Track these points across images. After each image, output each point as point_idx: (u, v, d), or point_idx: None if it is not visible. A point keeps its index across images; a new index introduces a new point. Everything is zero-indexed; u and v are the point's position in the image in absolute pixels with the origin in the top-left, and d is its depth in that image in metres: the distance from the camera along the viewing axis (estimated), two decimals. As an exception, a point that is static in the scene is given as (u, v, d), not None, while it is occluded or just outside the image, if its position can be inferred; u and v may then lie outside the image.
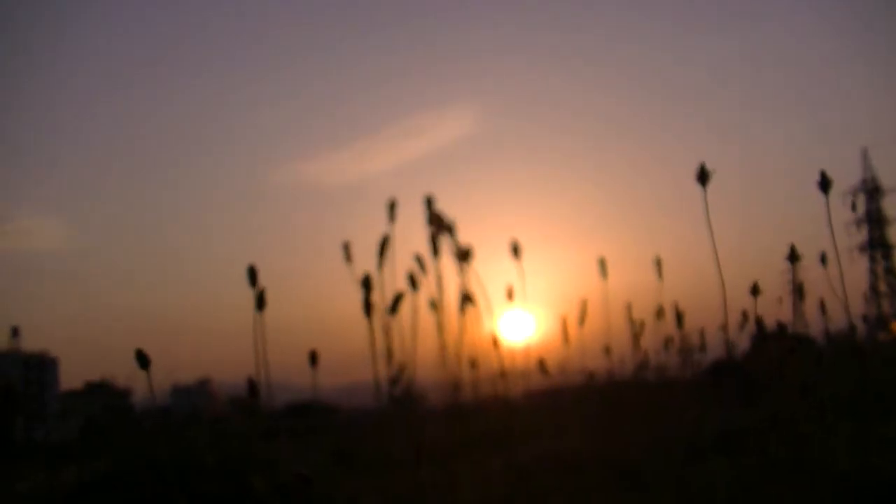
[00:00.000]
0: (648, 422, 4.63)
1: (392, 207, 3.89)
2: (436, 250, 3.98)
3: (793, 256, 3.70)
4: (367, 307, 3.73)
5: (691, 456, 3.99)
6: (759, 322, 4.02)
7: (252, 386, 3.55)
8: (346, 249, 3.88)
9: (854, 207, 3.91)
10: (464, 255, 4.04)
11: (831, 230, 3.59)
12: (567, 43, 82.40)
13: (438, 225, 3.99)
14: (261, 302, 3.57)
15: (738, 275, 3.90)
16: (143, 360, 3.29)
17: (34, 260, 68.36)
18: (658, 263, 4.51)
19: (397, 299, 3.83)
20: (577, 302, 4.62)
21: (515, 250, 4.20)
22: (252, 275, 3.59)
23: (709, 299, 3.86)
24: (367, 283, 3.76)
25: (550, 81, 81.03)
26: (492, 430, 4.63)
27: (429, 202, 3.99)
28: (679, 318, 4.57)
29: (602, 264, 4.51)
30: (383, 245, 3.85)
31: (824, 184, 3.55)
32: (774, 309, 4.05)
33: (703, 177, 3.54)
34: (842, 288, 3.72)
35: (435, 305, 4.04)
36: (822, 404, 3.74)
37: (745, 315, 4.40)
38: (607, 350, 4.84)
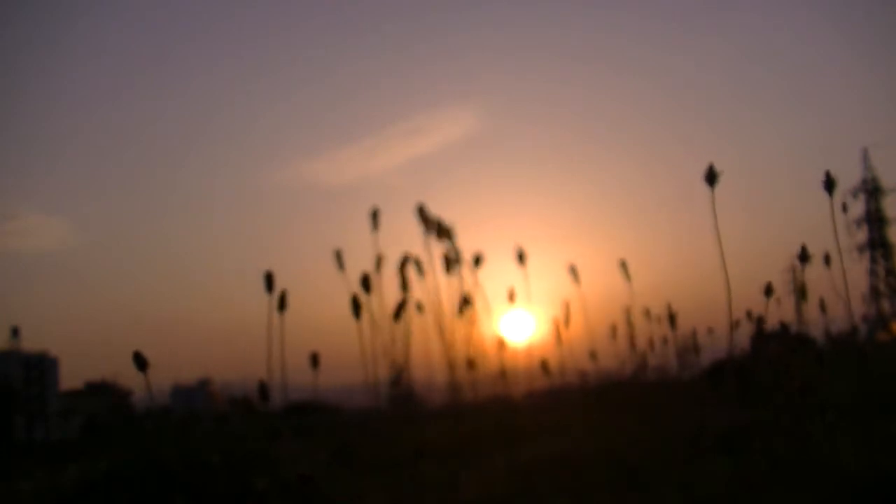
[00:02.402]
0: (649, 421, 4.64)
1: (375, 216, 3.90)
2: (449, 262, 3.97)
3: (804, 256, 3.66)
4: (357, 309, 3.74)
5: (693, 455, 3.99)
6: (759, 322, 4.03)
7: (263, 388, 3.56)
8: (339, 257, 3.88)
9: (844, 209, 3.87)
10: (475, 261, 4.04)
11: (835, 230, 3.59)
12: (568, 43, 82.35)
13: (437, 231, 3.98)
14: (282, 304, 3.58)
15: (740, 275, 3.90)
16: (140, 362, 3.29)
17: (34, 260, 68.36)
18: (624, 266, 4.48)
19: (401, 306, 3.83)
20: (563, 304, 4.62)
21: (521, 257, 4.19)
22: (269, 280, 3.60)
23: (709, 299, 3.88)
24: (366, 285, 3.77)
25: (551, 81, 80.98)
26: (492, 429, 4.64)
27: (422, 210, 3.98)
28: (672, 318, 4.57)
29: (574, 271, 4.49)
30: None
31: (829, 184, 3.53)
32: (775, 309, 4.06)
33: (711, 177, 3.53)
34: (844, 288, 3.72)
35: (421, 308, 4.04)
36: (823, 403, 3.74)
37: (747, 315, 4.40)
38: (593, 355, 4.85)
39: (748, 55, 74.16)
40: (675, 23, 76.99)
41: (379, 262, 3.86)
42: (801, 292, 3.89)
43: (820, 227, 3.68)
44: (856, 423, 3.64)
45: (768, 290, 3.71)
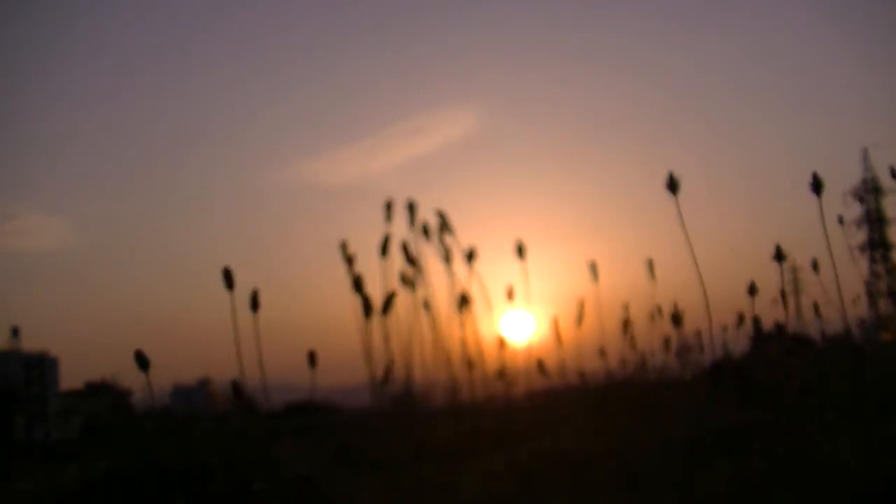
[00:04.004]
0: (649, 421, 4.64)
1: (388, 208, 3.88)
2: (410, 257, 3.96)
3: (779, 256, 3.69)
4: (367, 308, 3.73)
5: (693, 455, 3.99)
6: (756, 322, 4.03)
7: (236, 388, 3.55)
8: (345, 249, 3.86)
9: (841, 220, 3.90)
10: (468, 257, 4.03)
11: (825, 231, 3.60)
12: (568, 43, 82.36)
13: (424, 229, 3.98)
14: (255, 303, 3.56)
15: (740, 275, 3.91)
16: (142, 361, 3.29)
17: (34, 260, 68.35)
18: (650, 265, 4.49)
19: (389, 299, 3.82)
20: (574, 302, 4.60)
21: (520, 251, 4.18)
22: (228, 278, 3.57)
23: (710, 299, 3.88)
24: (358, 284, 3.76)
25: (551, 81, 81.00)
26: (492, 429, 4.64)
27: (411, 208, 3.97)
28: (676, 318, 4.56)
29: (593, 268, 4.49)
30: (385, 244, 3.84)
31: (816, 185, 3.54)
32: (774, 309, 4.06)
33: (672, 186, 3.53)
34: (837, 289, 3.73)
35: (428, 306, 4.03)
36: (822, 403, 3.75)
37: (741, 316, 4.41)
38: (602, 352, 4.84)
39: (748, 55, 74.18)
40: (675, 23, 77.00)
41: (386, 244, 3.84)
42: (783, 294, 3.90)
43: (820, 228, 3.69)
44: (856, 423, 3.64)
45: (752, 289, 3.74)
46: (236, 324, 3.53)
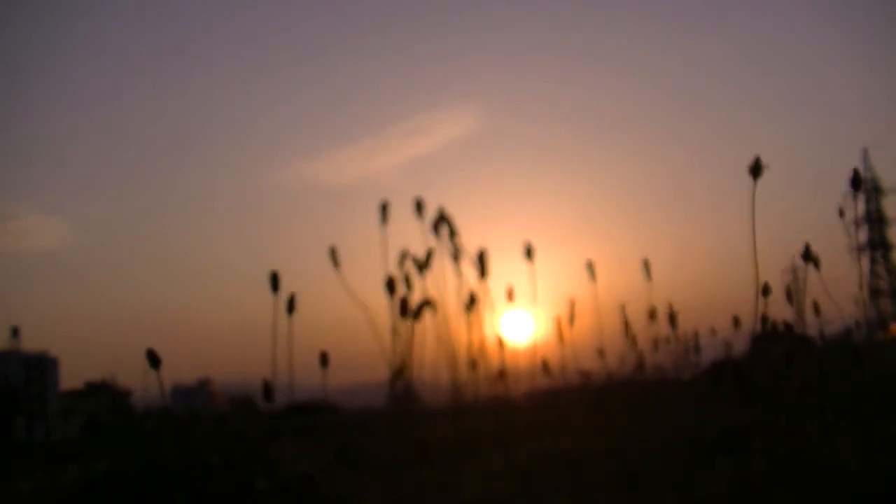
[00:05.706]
0: (649, 421, 4.64)
1: (384, 209, 3.88)
2: (426, 260, 3.95)
3: (807, 255, 3.66)
4: (404, 309, 3.73)
5: (693, 455, 4.00)
6: (763, 322, 4.02)
7: (267, 387, 3.56)
8: (334, 255, 3.85)
9: (841, 214, 3.88)
10: (480, 258, 4.03)
11: (811, 233, 3.60)
12: (568, 43, 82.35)
13: (440, 226, 3.98)
14: (291, 306, 3.57)
15: (739, 275, 3.91)
16: (153, 359, 3.30)
17: (34, 260, 68.33)
18: (646, 264, 4.50)
19: (422, 305, 3.82)
20: (568, 302, 4.61)
21: (529, 253, 4.18)
22: (275, 281, 3.59)
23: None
24: (390, 286, 3.76)
25: (551, 81, 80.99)
26: (492, 429, 4.64)
27: (418, 205, 3.97)
28: (672, 318, 4.56)
29: (590, 268, 4.49)
30: (428, 256, 3.84)
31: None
32: (774, 309, 4.06)
33: (756, 170, 3.50)
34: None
35: (434, 306, 4.02)
36: (822, 403, 3.75)
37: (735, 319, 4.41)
38: (601, 352, 4.84)
39: (748, 55, 74.22)
40: (675, 23, 77.04)
41: (429, 256, 3.85)
42: (788, 293, 3.89)
43: (819, 228, 3.69)
44: (856, 423, 3.64)
45: (766, 290, 3.72)
46: (276, 325, 3.55)
